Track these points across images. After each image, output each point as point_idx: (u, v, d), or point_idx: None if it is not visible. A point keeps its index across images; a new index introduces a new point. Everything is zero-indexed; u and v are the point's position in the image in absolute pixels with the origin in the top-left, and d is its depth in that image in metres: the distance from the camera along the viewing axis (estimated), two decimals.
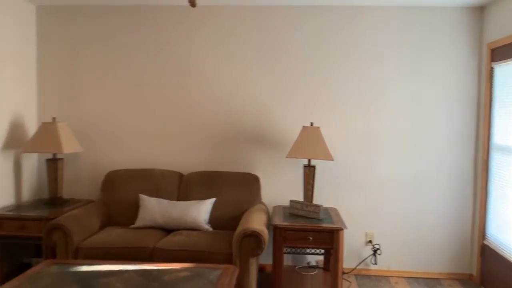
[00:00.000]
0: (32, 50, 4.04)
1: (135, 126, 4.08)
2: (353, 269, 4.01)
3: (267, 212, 3.66)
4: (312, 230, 3.27)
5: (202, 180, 3.82)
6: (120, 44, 4.04)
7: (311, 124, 3.70)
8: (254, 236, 3.03)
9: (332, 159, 3.56)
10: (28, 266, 3.81)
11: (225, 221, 3.66)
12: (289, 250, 3.82)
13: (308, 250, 3.90)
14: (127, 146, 4.08)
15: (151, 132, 4.07)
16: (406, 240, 3.98)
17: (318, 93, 3.96)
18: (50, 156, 3.87)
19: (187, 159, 4.06)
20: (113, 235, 3.34)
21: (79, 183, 4.12)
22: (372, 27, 3.90)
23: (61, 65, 4.09)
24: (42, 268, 2.68)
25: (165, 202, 3.62)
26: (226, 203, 3.71)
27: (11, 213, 3.45)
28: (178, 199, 3.78)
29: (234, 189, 3.76)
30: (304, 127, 3.66)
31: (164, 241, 3.25)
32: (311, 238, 3.27)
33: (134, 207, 3.72)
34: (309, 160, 3.66)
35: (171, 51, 4.02)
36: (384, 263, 4.01)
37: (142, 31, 4.03)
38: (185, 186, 3.82)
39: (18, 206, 3.69)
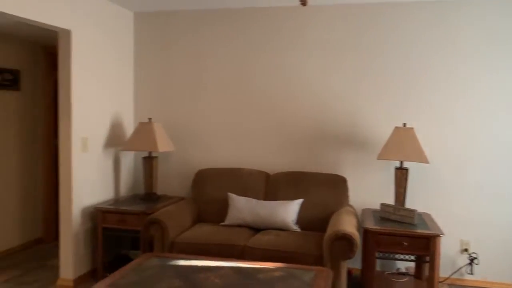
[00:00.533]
0: (130, 54, 4.30)
1: (224, 127, 4.18)
2: (447, 278, 3.79)
3: (356, 215, 3.57)
4: (407, 235, 3.14)
5: (288, 180, 3.82)
6: (211, 46, 4.17)
7: (404, 124, 3.55)
8: (346, 239, 2.97)
9: (427, 162, 3.39)
10: (126, 257, 4.05)
11: (313, 222, 3.63)
12: (380, 255, 3.69)
13: (397, 256, 3.75)
14: (216, 145, 4.20)
15: (239, 132, 4.15)
16: (506, 250, 3.69)
17: (411, 92, 3.79)
18: (146, 154, 4.10)
19: (273, 159, 4.09)
20: (205, 232, 3.45)
21: (170, 180, 4.31)
22: (468, 22, 3.65)
23: (156, 68, 4.31)
24: (143, 261, 2.83)
25: (253, 201, 3.67)
26: (314, 204, 3.68)
27: (112, 207, 3.69)
28: (265, 199, 3.81)
29: (321, 190, 3.71)
30: (396, 127, 3.52)
31: (254, 240, 3.29)
32: (406, 243, 3.14)
33: (223, 205, 3.82)
34: (401, 162, 3.52)
35: (260, 52, 4.07)
36: (481, 274, 3.75)
37: (233, 33, 4.12)
38: (272, 186, 3.85)
39: (117, 201, 3.94)
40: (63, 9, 3.34)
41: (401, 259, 3.74)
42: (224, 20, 4.13)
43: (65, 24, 3.37)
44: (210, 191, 3.91)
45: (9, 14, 2.88)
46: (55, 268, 3.98)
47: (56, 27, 3.31)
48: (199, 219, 3.87)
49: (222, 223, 3.70)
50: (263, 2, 3.90)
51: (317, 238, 3.36)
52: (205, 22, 4.17)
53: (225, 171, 3.98)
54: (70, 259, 3.59)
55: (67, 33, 3.45)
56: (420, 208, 3.80)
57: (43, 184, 4.86)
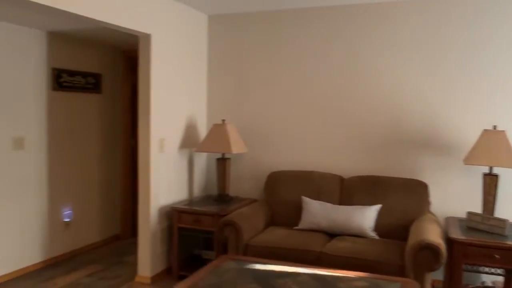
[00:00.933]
0: (203, 57, 4.36)
1: (295, 129, 4.11)
2: None
3: (439, 224, 3.35)
4: (499, 247, 2.88)
5: (364, 185, 3.67)
6: (283, 47, 4.12)
7: (494, 127, 3.28)
8: (431, 249, 2.78)
9: None
10: (199, 257, 4.11)
11: (391, 230, 3.46)
12: (466, 267, 3.44)
13: (481, 269, 3.47)
14: (288, 147, 4.14)
15: (311, 134, 4.06)
16: None
17: (502, 93, 3.50)
18: (219, 155, 4.13)
19: (346, 162, 3.95)
20: (279, 235, 3.40)
21: (242, 181, 4.31)
22: None
23: (228, 70, 4.33)
24: (220, 263, 2.83)
25: (328, 205, 3.57)
26: (392, 210, 3.50)
27: (186, 207, 3.75)
28: (340, 203, 3.69)
29: (400, 196, 3.53)
30: (485, 130, 3.26)
31: (330, 246, 3.19)
32: (497, 256, 2.88)
33: (296, 209, 3.75)
34: (490, 168, 3.25)
35: (334, 52, 3.96)
36: None
37: (306, 33, 4.04)
38: (347, 190, 3.72)
39: (191, 201, 4.01)
40: (144, 14, 3.45)
41: (487, 272, 3.47)
42: (297, 20, 4.06)
43: (146, 28, 3.48)
44: (283, 194, 3.86)
45: (96, 20, 3.01)
46: (133, 265, 4.13)
47: (137, 31, 3.42)
48: (271, 221, 3.83)
49: (296, 227, 3.63)
50: (334, 1, 3.78)
51: (397, 246, 3.19)
52: (279, 23, 4.13)
53: (297, 173, 3.91)
54: (147, 257, 3.70)
55: (147, 37, 3.56)
56: (511, 218, 3.49)
57: (121, 183, 5.08)
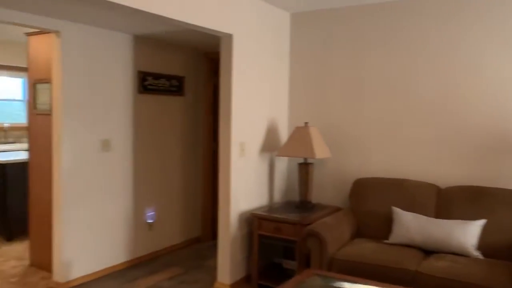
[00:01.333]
0: (285, 57, 4.18)
1: (385, 132, 3.78)
2: None
3: None
4: None
5: (465, 196, 3.25)
6: (372, 45, 3.81)
7: None
8: None
9: None
10: (279, 266, 3.94)
11: (499, 249, 3.02)
12: None
13: None
14: (376, 153, 3.82)
15: (403, 138, 3.70)
16: None
17: None
18: (301, 160, 3.93)
19: (444, 170, 3.54)
20: (368, 250, 3.11)
21: (325, 188, 4.07)
22: None
23: (311, 70, 4.11)
24: (305, 278, 2.63)
25: (423, 218, 3.21)
26: (500, 226, 3.06)
27: (267, 213, 3.60)
28: (436, 216, 3.31)
29: (510, 210, 3.07)
30: None
31: (426, 265, 2.84)
32: None
33: (385, 220, 3.43)
34: None
35: (430, 47, 3.57)
36: None
37: (396, 29, 3.70)
38: (445, 201, 3.32)
39: (271, 207, 3.85)
40: (226, 14, 3.35)
41: None
42: (388, 14, 3.73)
43: (228, 28, 3.38)
44: (371, 203, 3.55)
45: (177, 21, 2.96)
46: (212, 269, 4.07)
47: (219, 31, 3.34)
48: (357, 233, 3.55)
49: (386, 241, 3.31)
50: None
51: (506, 268, 2.76)
52: (367, 18, 3.83)
53: (387, 181, 3.58)
54: (227, 264, 3.60)
55: (229, 37, 3.46)
56: None
57: (202, 185, 5.08)
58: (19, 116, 6.86)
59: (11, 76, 6.92)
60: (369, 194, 3.59)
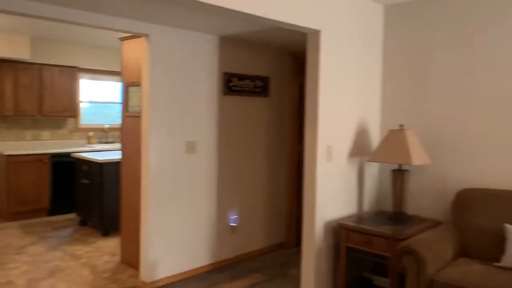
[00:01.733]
0: (378, 52, 3.84)
1: (498, 135, 3.26)
2: None
3: None
4: None
5: None
6: (480, 33, 3.31)
7: None
8: None
9: None
10: (368, 281, 3.62)
11: None
12: None
13: None
14: (485, 159, 3.32)
15: None
16: None
17: None
18: (395, 166, 3.56)
19: None
20: (474, 273, 2.68)
21: (422, 198, 3.65)
22: None
23: (408, 66, 3.72)
24: None
25: None
26: None
27: (355, 224, 3.30)
28: None
29: None
30: None
31: None
32: None
33: (496, 239, 2.95)
34: None
35: None
36: None
37: (509, 14, 3.18)
38: None
39: (360, 217, 3.54)
40: (313, 9, 3.13)
41: None
42: (502, 6, 3.21)
43: (315, 24, 3.15)
44: (478, 218, 3.09)
45: (263, 18, 2.81)
46: (295, 279, 3.87)
47: (306, 27, 3.12)
48: (461, 252, 3.10)
49: (497, 264, 2.84)
50: None
51: None
52: (472, 5, 3.34)
53: (500, 193, 3.08)
54: (311, 276, 3.37)
55: (316, 33, 3.23)
56: None
57: (286, 189, 4.90)
58: (118, 118, 7.27)
59: (110, 80, 7.38)
60: (477, 207, 3.12)
